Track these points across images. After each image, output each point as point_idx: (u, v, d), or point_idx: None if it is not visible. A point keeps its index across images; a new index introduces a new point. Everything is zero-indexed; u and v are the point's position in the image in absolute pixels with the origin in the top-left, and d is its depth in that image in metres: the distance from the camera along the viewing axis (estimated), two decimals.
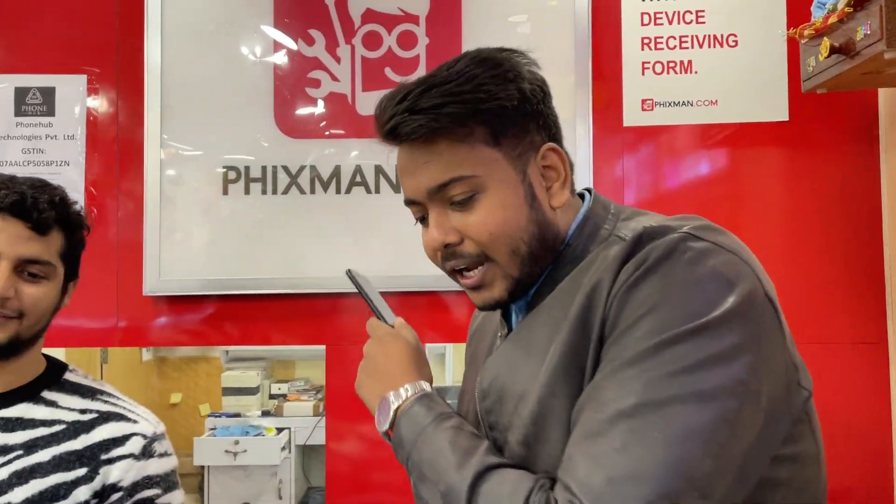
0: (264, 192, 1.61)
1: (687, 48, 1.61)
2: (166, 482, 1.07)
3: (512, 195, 0.76)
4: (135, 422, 1.07)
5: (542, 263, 0.78)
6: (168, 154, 1.61)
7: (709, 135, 1.62)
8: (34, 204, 1.00)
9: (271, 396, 3.82)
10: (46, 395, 1.07)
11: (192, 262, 1.61)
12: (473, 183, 0.75)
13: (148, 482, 1.05)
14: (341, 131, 1.61)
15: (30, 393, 1.06)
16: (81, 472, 1.02)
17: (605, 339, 0.68)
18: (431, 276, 1.57)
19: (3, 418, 1.03)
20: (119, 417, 1.07)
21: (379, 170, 1.61)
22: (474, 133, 0.75)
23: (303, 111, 1.62)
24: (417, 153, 0.76)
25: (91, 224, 1.11)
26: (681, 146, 1.63)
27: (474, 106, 0.74)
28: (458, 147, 0.75)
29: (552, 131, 0.80)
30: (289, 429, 3.49)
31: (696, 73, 1.61)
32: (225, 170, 1.61)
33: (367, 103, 1.61)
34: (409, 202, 0.81)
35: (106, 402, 1.09)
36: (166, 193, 1.60)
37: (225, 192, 1.61)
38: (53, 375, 1.10)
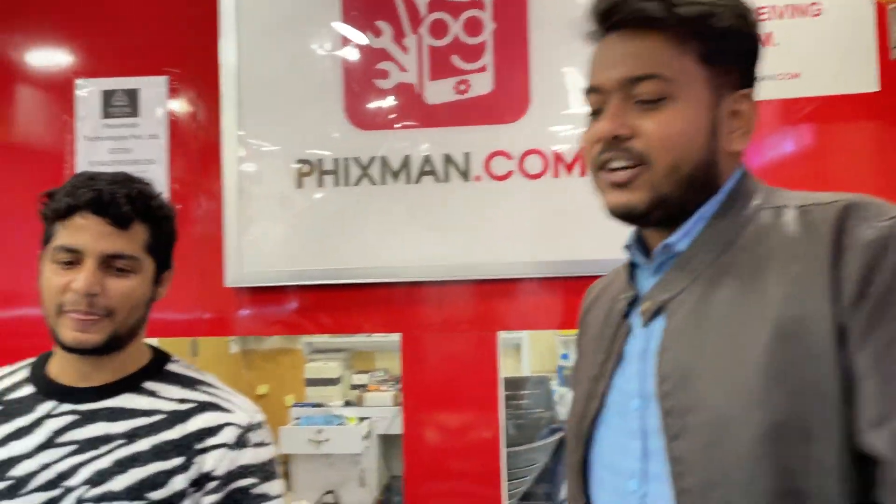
0: (337, 184, 1.64)
1: (766, 19, 1.54)
2: (263, 472, 1.07)
3: (698, 116, 0.76)
4: (230, 412, 1.08)
5: (691, 197, 0.78)
6: (244, 150, 1.66)
7: (791, 110, 1.55)
8: (112, 199, 1.00)
9: (352, 387, 3.90)
10: (148, 385, 1.08)
11: (269, 254, 1.65)
12: (668, 88, 0.76)
13: (243, 472, 1.05)
14: (410, 121, 1.62)
15: (132, 383, 1.07)
16: (178, 461, 1.03)
17: (854, 346, 0.67)
18: (504, 263, 1.58)
19: (107, 408, 1.05)
20: (215, 408, 1.07)
21: (448, 158, 1.61)
22: (691, 44, 0.75)
23: (372, 103, 1.63)
24: (627, 42, 0.78)
25: (176, 216, 1.11)
26: (762, 123, 1.56)
27: (706, 19, 0.75)
28: (669, 48, 0.76)
29: (753, 81, 0.80)
30: (369, 418, 3.56)
31: (776, 45, 1.54)
32: (299, 164, 1.65)
33: (435, 92, 1.62)
34: (593, 90, 0.80)
35: (205, 392, 1.10)
36: (244, 188, 1.65)
37: (299, 185, 1.65)
38: (156, 366, 1.11)
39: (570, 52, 1.58)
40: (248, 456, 1.06)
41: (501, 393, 1.63)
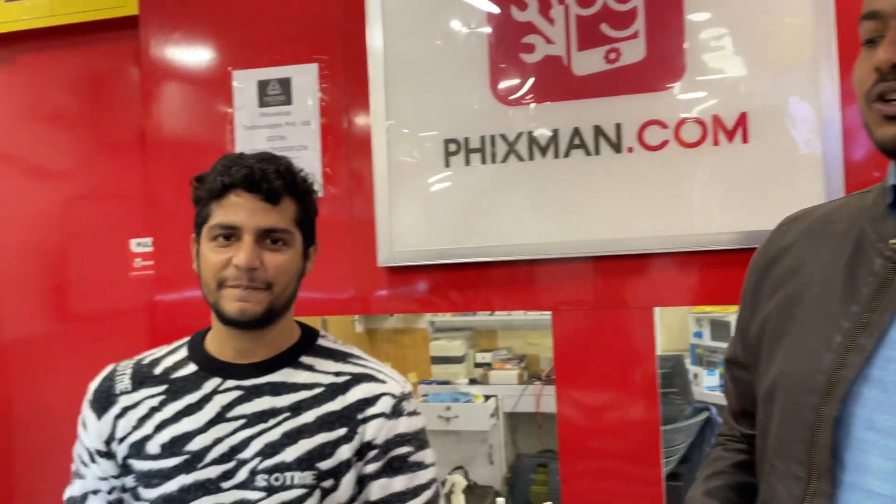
0: (483, 161, 1.64)
1: None
2: (417, 440, 1.10)
3: None
4: (384, 382, 1.10)
5: None
6: (393, 132, 1.68)
7: None
8: (263, 176, 1.03)
9: (476, 365, 3.94)
10: (304, 359, 1.12)
11: (420, 234, 1.68)
12: None
13: (400, 440, 1.07)
14: (558, 95, 1.60)
15: (290, 359, 1.11)
16: (342, 431, 1.06)
17: None
18: (659, 237, 1.53)
19: (269, 383, 1.08)
20: (369, 378, 1.10)
21: (598, 130, 1.57)
22: None
23: (518, 78, 1.62)
24: None
25: (320, 190, 1.15)
26: None
27: None
28: None
29: None
30: (495, 396, 3.58)
31: None
32: (446, 143, 1.66)
33: (583, 63, 1.58)
34: (870, 15, 0.77)
35: (356, 364, 1.13)
36: (393, 169, 1.68)
37: (447, 164, 1.66)
38: (308, 341, 1.15)
39: (726, 12, 1.51)
40: (404, 424, 1.08)
41: (657, 371, 1.59)
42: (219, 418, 1.06)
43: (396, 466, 1.07)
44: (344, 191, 1.76)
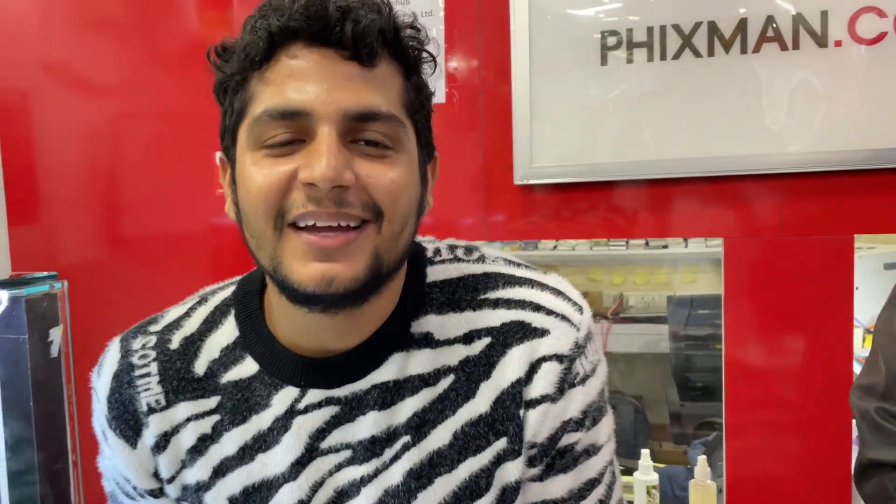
0: (650, 58, 1.37)
1: None
2: (593, 413, 0.71)
3: None
4: (545, 332, 0.68)
5: None
6: (536, 20, 1.41)
7: None
8: (344, 15, 0.58)
9: None
10: (416, 327, 0.69)
11: (567, 146, 1.42)
12: None
13: (567, 427, 0.69)
14: None
15: (398, 330, 0.68)
16: (500, 443, 0.67)
17: None
18: (871, 150, 1.27)
19: (374, 387, 0.67)
20: (521, 333, 0.68)
21: (798, 19, 1.29)
22: None
23: None
24: None
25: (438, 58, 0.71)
26: None
27: None
28: None
29: None
30: None
31: None
32: (603, 35, 1.39)
33: None
34: None
35: (495, 302, 0.69)
36: (536, 66, 1.42)
37: (603, 61, 1.39)
38: (416, 284, 0.70)
39: None
40: (577, 402, 0.69)
41: (853, 313, 1.36)
42: (310, 454, 0.67)
43: (560, 466, 0.70)
44: (473, 95, 1.49)
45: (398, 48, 0.62)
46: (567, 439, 0.69)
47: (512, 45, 1.42)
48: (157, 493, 0.72)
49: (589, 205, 1.44)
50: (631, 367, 3.64)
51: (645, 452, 1.57)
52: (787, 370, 1.37)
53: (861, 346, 2.85)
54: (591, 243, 3.86)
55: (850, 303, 1.35)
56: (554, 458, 0.69)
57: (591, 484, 0.71)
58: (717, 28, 1.33)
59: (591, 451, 0.71)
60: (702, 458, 1.52)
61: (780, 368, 1.38)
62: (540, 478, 0.70)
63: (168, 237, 1.74)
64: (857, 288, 3.09)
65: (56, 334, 0.85)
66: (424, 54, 0.66)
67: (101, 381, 0.72)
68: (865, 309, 3.03)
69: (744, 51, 1.32)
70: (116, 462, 0.72)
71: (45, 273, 0.86)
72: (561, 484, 0.70)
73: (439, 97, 1.51)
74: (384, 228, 0.61)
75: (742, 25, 1.32)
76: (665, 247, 3.82)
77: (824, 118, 1.30)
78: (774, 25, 1.30)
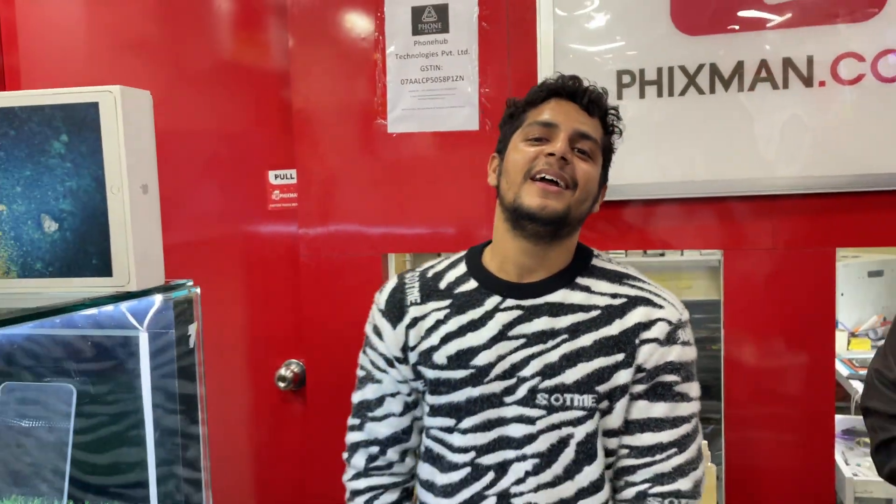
0: (660, 94, 1.58)
1: None
2: (686, 371, 1.08)
3: None
4: (661, 307, 1.09)
5: None
6: (562, 61, 1.62)
7: None
8: (585, 90, 1.10)
9: None
10: (580, 280, 1.11)
11: None
12: None
13: (668, 367, 1.06)
14: (745, 23, 1.52)
15: (566, 279, 1.10)
16: (619, 357, 1.06)
17: None
18: (852, 175, 1.49)
19: (547, 303, 1.08)
20: (647, 302, 1.09)
21: (787, 62, 1.50)
22: None
23: (701, 5, 1.54)
24: None
25: (621, 132, 1.16)
26: None
27: None
28: None
29: None
30: None
31: None
32: (619, 73, 1.60)
33: None
34: None
35: (633, 286, 1.11)
36: None
37: (619, 96, 1.60)
38: (583, 261, 1.14)
39: None
40: (675, 353, 1.07)
41: (835, 317, 1.57)
42: (500, 336, 1.08)
43: (660, 392, 1.06)
44: None
45: (604, 117, 1.12)
46: (667, 377, 1.06)
47: (538, 80, 1.63)
48: (402, 360, 1.15)
49: (605, 219, 1.65)
50: None
51: None
52: (776, 368, 1.58)
53: (846, 349, 3.07)
54: (617, 251, 4.04)
55: (832, 308, 1.56)
56: (656, 386, 1.06)
57: (682, 420, 1.07)
58: (717, 69, 1.54)
59: (684, 397, 1.07)
60: (703, 443, 1.72)
61: (770, 366, 1.58)
62: (647, 398, 1.06)
63: (216, 245, 1.94)
64: (842, 294, 3.31)
65: (192, 329, 1.06)
66: (615, 129, 1.15)
67: (383, 293, 1.19)
68: (851, 313, 3.25)
69: (741, 89, 1.53)
70: (380, 344, 1.16)
71: (185, 280, 1.06)
72: (661, 409, 1.06)
73: (473, 125, 1.71)
74: (577, 194, 1.05)
75: (739, 67, 1.53)
76: (662, 255, 4.01)
77: (810, 148, 1.51)
78: (767, 68, 1.52)
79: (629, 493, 1.07)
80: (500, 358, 1.07)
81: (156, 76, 1.92)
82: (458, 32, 1.70)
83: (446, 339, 1.11)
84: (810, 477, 1.58)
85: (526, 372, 1.06)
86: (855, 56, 1.47)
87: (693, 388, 1.09)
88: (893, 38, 1.45)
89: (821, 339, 1.56)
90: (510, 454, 1.07)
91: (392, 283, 1.20)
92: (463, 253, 1.20)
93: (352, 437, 1.20)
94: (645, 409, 1.07)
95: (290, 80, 1.80)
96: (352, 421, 1.21)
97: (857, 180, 1.50)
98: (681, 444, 1.06)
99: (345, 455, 1.22)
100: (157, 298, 1.05)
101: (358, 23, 1.76)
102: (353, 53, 1.76)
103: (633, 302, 1.09)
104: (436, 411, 1.12)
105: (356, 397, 1.20)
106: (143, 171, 0.99)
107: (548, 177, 1.04)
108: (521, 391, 1.06)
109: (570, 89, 1.10)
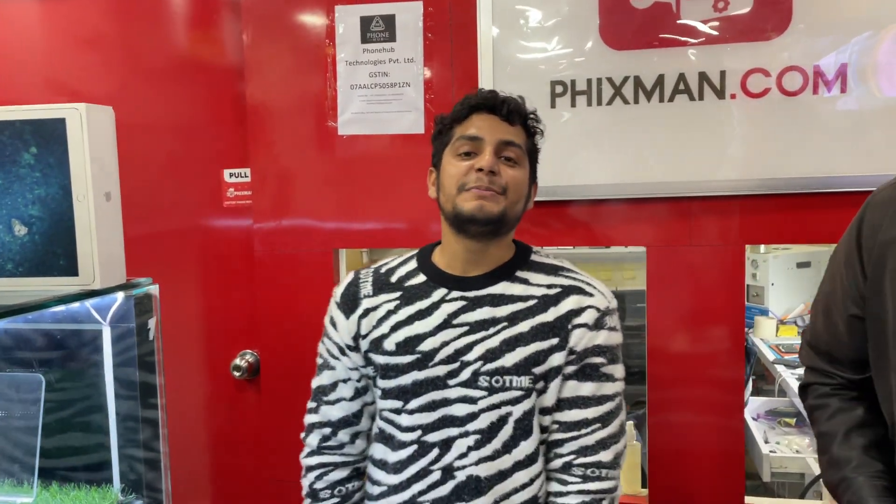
0: (589, 104, 1.72)
1: None
2: (612, 353, 1.21)
3: None
4: (591, 295, 1.21)
5: None
6: (499, 72, 1.74)
7: None
8: (504, 101, 1.21)
9: None
10: (520, 273, 1.23)
11: None
12: None
13: (596, 350, 1.19)
14: (665, 41, 1.67)
15: (508, 273, 1.22)
16: (554, 340, 1.18)
17: None
18: (757, 180, 1.65)
19: (489, 294, 1.20)
20: (579, 291, 1.21)
21: (703, 77, 1.65)
22: None
23: (627, 23, 1.68)
24: None
25: (542, 132, 1.29)
26: None
27: None
28: None
29: None
30: None
31: None
32: (552, 84, 1.73)
33: (692, 11, 1.65)
34: None
35: (567, 276, 1.24)
36: None
37: (552, 105, 1.73)
38: (523, 256, 1.26)
39: None
40: (603, 337, 1.19)
41: (745, 305, 1.73)
42: (445, 324, 1.19)
43: (588, 373, 1.18)
44: None
45: (526, 123, 1.24)
46: (594, 359, 1.19)
47: (479, 86, 1.74)
48: (353, 348, 1.26)
49: (538, 218, 1.78)
50: None
51: None
52: (693, 354, 1.74)
53: (774, 335, 3.28)
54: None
55: (742, 298, 1.72)
56: (585, 367, 1.18)
57: (607, 398, 1.19)
58: (640, 82, 1.68)
59: (609, 378, 1.20)
60: (629, 423, 1.88)
61: (687, 352, 1.74)
62: (576, 378, 1.18)
63: (172, 239, 2.03)
64: (772, 284, 3.50)
65: (151, 323, 1.16)
66: (537, 131, 1.27)
67: (339, 288, 1.31)
68: (780, 302, 3.46)
69: (661, 100, 1.68)
70: (334, 334, 1.27)
71: (144, 278, 1.16)
72: (588, 388, 1.18)
73: (419, 128, 1.83)
74: (509, 198, 1.18)
75: (660, 80, 1.67)
76: (608, 247, 4.18)
77: (722, 154, 1.66)
78: (685, 81, 1.66)
79: (557, 463, 1.19)
80: (445, 344, 1.18)
81: (112, 73, 1.99)
82: (405, 41, 1.81)
83: (396, 328, 1.21)
84: (723, 453, 1.74)
85: (469, 356, 1.17)
86: (762, 72, 1.63)
87: (618, 370, 1.22)
88: (796, 56, 1.61)
89: (732, 327, 1.72)
90: (454, 431, 1.17)
91: (349, 278, 1.32)
92: (415, 251, 1.32)
93: (309, 419, 1.30)
94: (574, 388, 1.18)
95: (244, 80, 1.89)
96: (310, 404, 1.31)
97: (764, 184, 1.66)
98: (604, 419, 1.18)
99: (302, 435, 1.32)
100: (119, 296, 1.14)
101: (310, 28, 1.85)
102: (306, 56, 1.86)
103: (567, 291, 1.21)
104: (386, 394, 1.22)
105: (314, 382, 1.31)
106: (106, 181, 1.08)
107: (482, 185, 1.16)
108: (465, 374, 1.17)
109: (489, 103, 1.20)
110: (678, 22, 1.66)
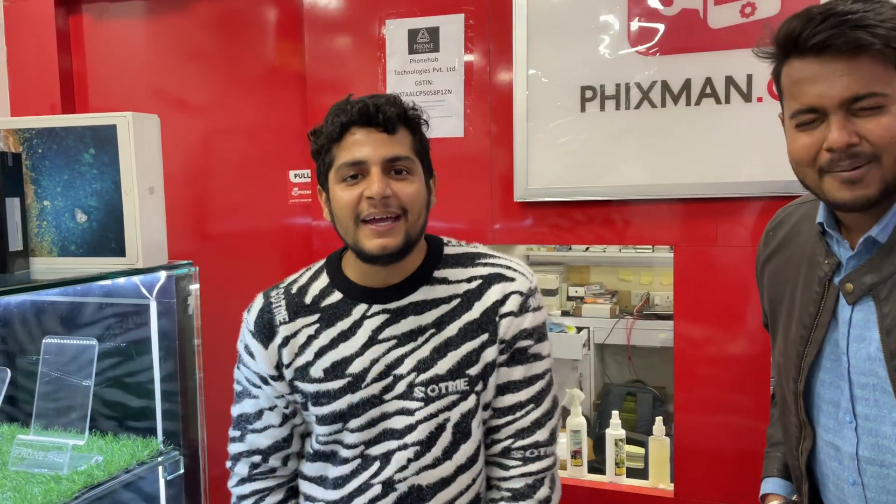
0: (618, 107, 1.78)
1: None
2: (538, 333, 1.17)
3: None
4: (512, 280, 1.16)
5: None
6: (532, 78, 1.84)
7: None
8: (378, 108, 1.08)
9: (569, 298, 4.12)
10: (437, 273, 1.17)
11: (554, 173, 1.85)
12: (884, 99, 0.89)
13: (523, 334, 1.15)
14: (692, 46, 1.71)
15: (425, 276, 1.16)
16: (484, 336, 1.14)
17: None
18: (782, 182, 1.65)
19: (412, 303, 1.14)
20: (500, 278, 1.16)
21: (729, 80, 1.68)
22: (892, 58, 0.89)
23: (655, 29, 1.73)
24: (838, 65, 0.89)
25: (427, 122, 1.17)
26: None
27: None
28: (879, 66, 0.89)
29: None
30: (587, 328, 3.76)
31: None
32: (582, 89, 1.81)
33: (719, 17, 1.68)
34: (809, 110, 0.94)
35: (485, 264, 1.18)
36: (532, 113, 1.85)
37: (583, 109, 1.81)
38: (436, 253, 1.19)
39: None
40: (528, 320, 1.16)
41: None
42: (371, 341, 1.13)
43: (517, 358, 1.16)
44: (484, 132, 1.93)
45: (407, 123, 1.13)
46: (522, 343, 1.16)
47: (514, 97, 1.86)
48: (277, 377, 1.18)
49: (569, 217, 1.87)
50: (652, 360, 3.99)
51: (615, 413, 1.98)
52: (718, 351, 1.76)
53: None
54: (620, 246, 4.22)
55: None
56: (514, 352, 1.15)
57: (537, 378, 1.18)
58: (668, 86, 1.74)
59: (537, 357, 1.18)
60: (658, 419, 1.92)
61: (713, 349, 1.77)
62: (507, 364, 1.16)
63: (245, 234, 2.25)
64: None
65: (192, 300, 1.36)
66: (421, 121, 1.16)
67: (251, 314, 1.21)
68: None
69: (688, 104, 1.72)
70: (252, 363, 1.19)
71: (186, 261, 1.36)
72: (518, 371, 1.16)
73: (459, 132, 1.95)
74: (409, 219, 1.09)
75: (687, 84, 1.72)
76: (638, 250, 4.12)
77: (749, 156, 1.69)
78: (711, 85, 1.70)
79: (496, 448, 1.18)
80: (374, 361, 1.13)
81: (207, 83, 2.25)
82: (448, 51, 1.94)
83: (320, 353, 1.14)
84: (749, 451, 1.73)
85: (402, 370, 1.12)
86: None
87: (545, 347, 1.19)
88: None
89: (759, 326, 1.72)
90: (393, 444, 1.13)
91: (259, 303, 1.21)
92: (321, 263, 1.24)
93: (234, 448, 1.23)
94: (506, 375, 1.16)
95: (306, 85, 2.09)
96: (233, 433, 1.24)
97: (790, 186, 1.66)
98: (537, 399, 1.17)
99: (228, 464, 1.26)
100: (162, 274, 1.35)
101: (364, 42, 2.02)
102: (359, 65, 2.03)
103: (488, 281, 1.16)
104: (322, 420, 1.15)
105: (235, 410, 1.24)
106: (150, 177, 1.29)
107: (377, 217, 1.07)
108: (400, 387, 1.12)
109: (364, 117, 1.08)
110: (706, 28, 1.70)
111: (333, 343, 1.14)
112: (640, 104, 1.76)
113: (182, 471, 1.38)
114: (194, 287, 1.35)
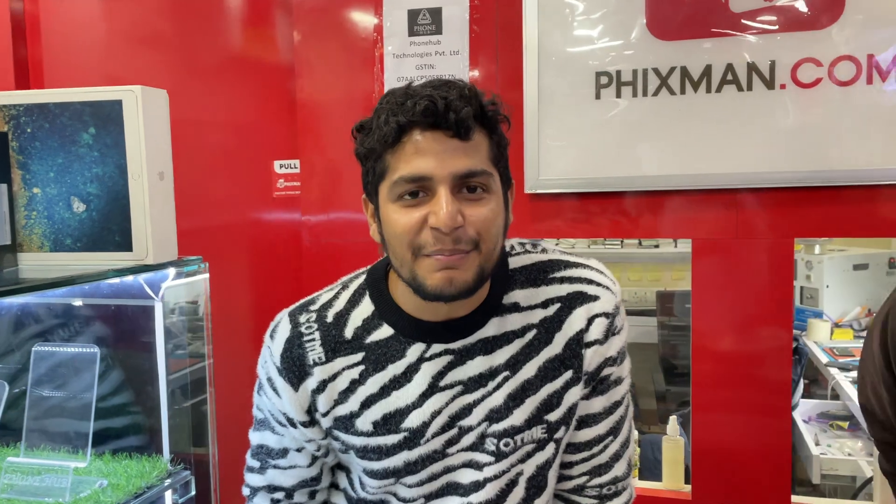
0: (635, 94, 1.71)
1: None
2: (620, 356, 1.00)
3: None
4: (596, 297, 0.96)
5: None
6: (544, 62, 1.75)
7: None
8: (448, 105, 0.81)
9: None
10: (507, 299, 0.95)
11: (566, 163, 1.76)
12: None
13: (608, 362, 0.98)
14: (712, 30, 1.65)
15: (494, 304, 0.94)
16: (568, 375, 0.95)
17: None
18: (807, 172, 1.61)
19: (480, 340, 0.93)
20: (582, 298, 0.96)
21: (752, 67, 1.63)
22: None
23: (674, 13, 1.67)
24: None
25: (508, 119, 0.92)
26: None
27: None
28: None
29: None
30: None
31: None
32: (597, 75, 1.73)
33: (741, 0, 1.63)
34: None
35: (561, 279, 0.97)
36: (543, 99, 1.75)
37: (597, 96, 1.73)
38: (502, 272, 0.96)
39: None
40: (614, 347, 0.97)
41: (793, 300, 1.69)
42: (431, 389, 0.93)
43: (599, 389, 0.99)
44: None
45: (485, 122, 0.87)
46: (606, 371, 0.98)
47: (524, 83, 1.76)
48: (308, 423, 0.97)
49: (582, 209, 1.78)
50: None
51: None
52: (738, 346, 1.71)
53: (829, 338, 3.19)
54: (589, 241, 4.19)
55: (791, 295, 1.68)
56: (596, 384, 0.98)
57: (617, 404, 1.01)
58: (687, 72, 1.67)
59: (619, 381, 1.00)
60: (672, 418, 1.86)
61: (733, 350, 1.72)
62: (586, 397, 0.98)
63: (218, 231, 2.09)
64: (827, 286, 3.42)
65: (202, 301, 1.21)
66: (497, 115, 0.90)
67: (276, 343, 0.97)
68: (835, 305, 3.37)
69: (708, 91, 1.66)
70: (277, 401, 0.98)
71: (196, 256, 1.21)
72: (599, 403, 0.99)
73: None
74: (483, 249, 0.85)
75: (707, 71, 1.66)
76: (656, 246, 4.16)
77: (771, 145, 1.64)
78: (733, 71, 1.64)
79: (567, 485, 1.04)
80: (436, 414, 0.93)
81: (169, 70, 2.06)
82: (451, 34, 1.83)
83: (367, 403, 0.94)
84: (768, 451, 1.70)
85: (469, 421, 0.94)
86: (813, 61, 1.60)
87: (625, 369, 1.01)
88: (850, 45, 1.57)
89: (779, 322, 1.68)
90: (456, 501, 0.97)
91: (285, 329, 0.98)
92: (361, 279, 1.00)
93: (252, 480, 1.07)
94: (585, 408, 0.99)
95: (294, 74, 1.95)
96: (251, 462, 1.06)
97: (814, 176, 1.62)
98: (615, 429, 1.02)
99: (245, 492, 1.09)
100: (171, 272, 1.20)
101: (359, 22, 1.89)
102: (354, 50, 1.90)
103: (569, 304, 0.96)
104: (372, 474, 0.98)
105: (254, 438, 1.06)
106: (159, 160, 1.13)
107: (445, 248, 0.83)
108: (467, 439, 0.95)
109: (430, 117, 0.82)
110: (727, 12, 1.64)
111: (384, 391, 0.94)
112: (658, 91, 1.69)
113: (193, 492, 1.23)
114: (205, 286, 1.20)
